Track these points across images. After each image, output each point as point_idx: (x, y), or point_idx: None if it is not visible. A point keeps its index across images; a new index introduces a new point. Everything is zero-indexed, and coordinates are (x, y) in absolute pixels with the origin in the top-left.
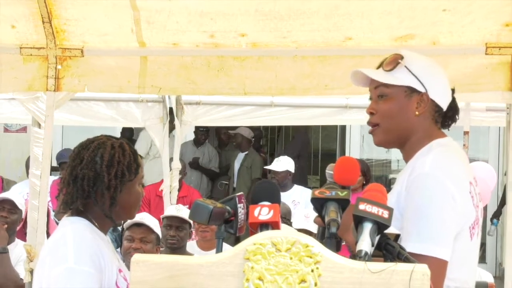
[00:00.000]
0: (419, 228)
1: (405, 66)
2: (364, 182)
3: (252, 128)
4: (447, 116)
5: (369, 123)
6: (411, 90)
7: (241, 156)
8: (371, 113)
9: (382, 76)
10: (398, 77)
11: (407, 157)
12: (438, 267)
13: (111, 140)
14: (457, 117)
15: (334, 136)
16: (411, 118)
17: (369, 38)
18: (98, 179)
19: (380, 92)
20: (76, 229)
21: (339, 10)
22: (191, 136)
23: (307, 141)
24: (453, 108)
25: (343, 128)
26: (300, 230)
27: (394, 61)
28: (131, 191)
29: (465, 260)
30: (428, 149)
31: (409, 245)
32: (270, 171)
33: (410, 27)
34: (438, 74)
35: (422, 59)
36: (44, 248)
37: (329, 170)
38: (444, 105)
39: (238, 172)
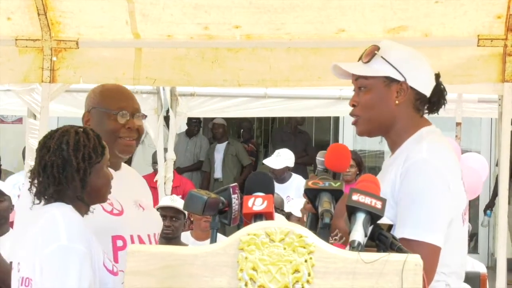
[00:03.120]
0: (415, 214)
1: (382, 57)
2: (358, 173)
3: (242, 119)
4: (431, 102)
5: (351, 114)
6: (390, 80)
7: (220, 147)
8: (353, 105)
9: (360, 69)
10: (376, 68)
11: (393, 146)
12: (432, 253)
13: (74, 128)
14: (443, 101)
15: (328, 127)
16: (391, 107)
17: (362, 30)
18: (66, 164)
19: (360, 84)
20: (64, 212)
21: (332, 2)
22: (185, 127)
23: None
24: (438, 93)
25: (336, 119)
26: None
27: (370, 53)
28: (100, 173)
29: (458, 246)
30: (418, 136)
31: (404, 230)
32: (268, 167)
33: (403, 19)
34: (417, 62)
35: (400, 48)
36: (30, 231)
37: (320, 157)
38: (427, 91)
39: (223, 162)
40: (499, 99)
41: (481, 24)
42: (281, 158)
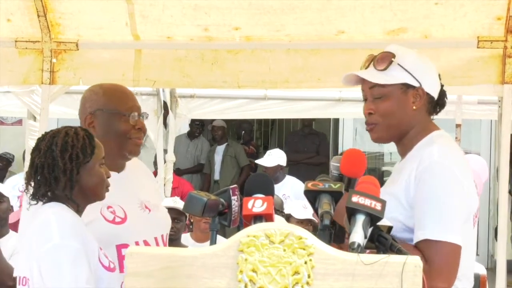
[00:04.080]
0: (434, 215)
1: (398, 64)
2: None
3: (242, 121)
4: (438, 104)
5: (368, 123)
6: (407, 86)
7: (220, 148)
8: (369, 113)
9: (377, 77)
10: (393, 75)
11: (404, 150)
12: (455, 253)
13: (66, 128)
14: (445, 99)
15: (327, 129)
16: (409, 113)
17: (362, 31)
18: (55, 165)
19: (377, 92)
20: (57, 211)
21: (331, 4)
22: (185, 129)
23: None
24: (442, 94)
25: (336, 121)
26: (302, 221)
27: (386, 60)
28: (91, 172)
29: (469, 248)
30: (429, 140)
31: (425, 232)
32: (261, 166)
33: (402, 20)
34: (428, 66)
35: (411, 53)
36: (27, 233)
37: (335, 163)
38: (436, 94)
39: (222, 163)
40: (499, 101)
41: (481, 26)
42: (272, 157)
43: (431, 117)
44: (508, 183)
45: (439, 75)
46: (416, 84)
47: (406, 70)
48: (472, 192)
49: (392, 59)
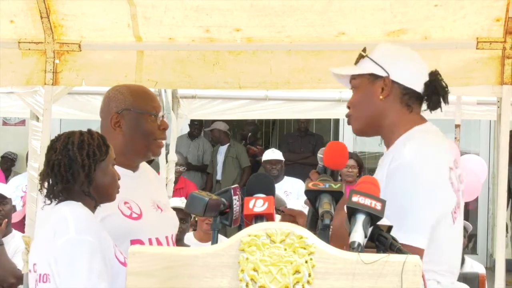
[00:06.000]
0: (398, 218)
1: (367, 57)
2: (358, 175)
3: (247, 122)
4: (426, 98)
5: (346, 116)
6: (374, 77)
7: (222, 149)
8: (348, 107)
9: (347, 69)
10: (362, 67)
11: (388, 142)
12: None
13: (79, 130)
14: (437, 97)
15: (328, 129)
16: (376, 102)
17: (362, 33)
18: (72, 162)
19: (352, 85)
20: (72, 209)
21: (332, 5)
22: (186, 129)
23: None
24: (430, 88)
25: (337, 121)
26: None
27: (359, 55)
28: (106, 170)
29: (450, 244)
30: (406, 137)
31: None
32: (267, 161)
33: (402, 22)
34: (405, 58)
35: (390, 47)
36: (42, 230)
37: (320, 154)
38: (416, 86)
39: (224, 163)
40: (498, 101)
41: (480, 27)
42: (276, 153)
43: (417, 110)
44: (507, 183)
45: (434, 71)
46: (383, 74)
47: (374, 61)
48: (446, 192)
49: (362, 53)
